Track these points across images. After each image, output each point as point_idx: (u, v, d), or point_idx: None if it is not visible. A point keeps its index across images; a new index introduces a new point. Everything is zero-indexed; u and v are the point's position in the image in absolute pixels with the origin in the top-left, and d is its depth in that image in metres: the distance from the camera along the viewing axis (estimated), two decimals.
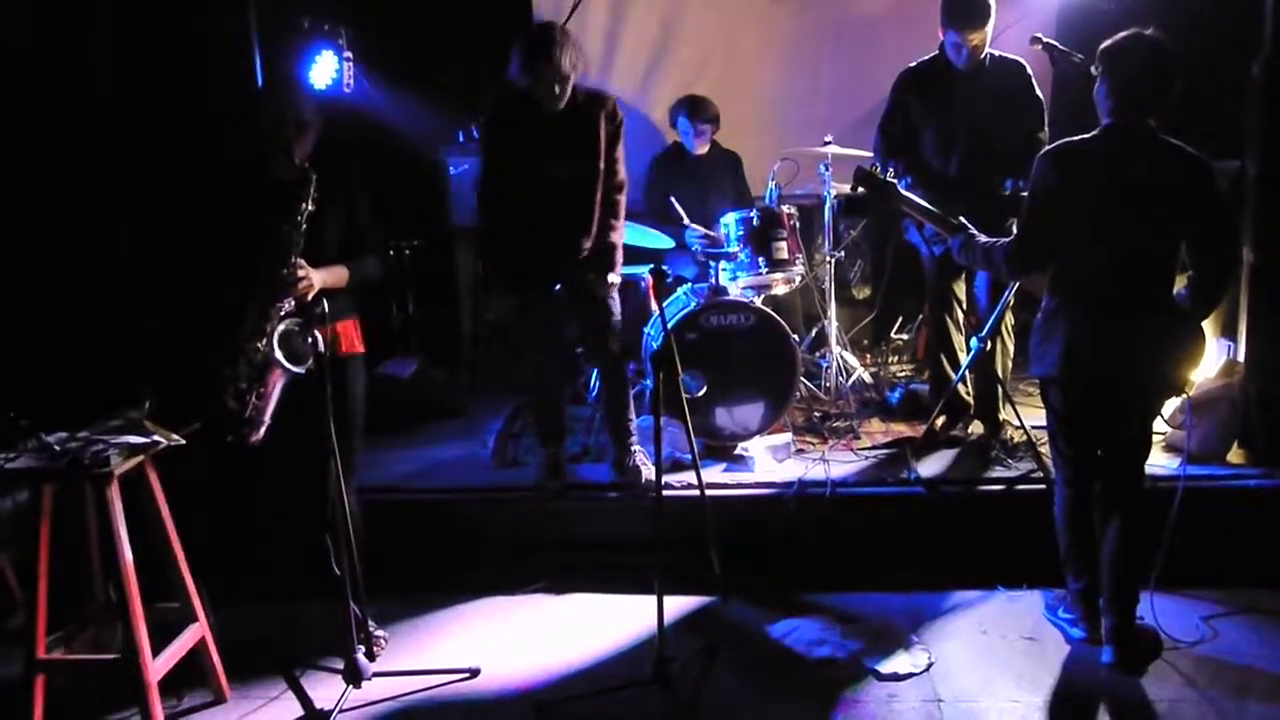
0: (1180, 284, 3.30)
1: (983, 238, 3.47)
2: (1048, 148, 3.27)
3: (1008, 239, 3.36)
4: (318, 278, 3.28)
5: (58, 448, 2.96)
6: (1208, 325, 4.63)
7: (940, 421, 4.65)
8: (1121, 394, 3.26)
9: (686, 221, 5.14)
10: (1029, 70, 4.42)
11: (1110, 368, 3.21)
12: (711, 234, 5.05)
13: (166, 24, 4.33)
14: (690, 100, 5.40)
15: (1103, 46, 3.22)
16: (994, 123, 4.32)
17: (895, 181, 3.76)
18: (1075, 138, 3.23)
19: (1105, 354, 3.20)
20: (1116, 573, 3.33)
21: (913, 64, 4.51)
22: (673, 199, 5.11)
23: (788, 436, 4.54)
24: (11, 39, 4.20)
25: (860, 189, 3.75)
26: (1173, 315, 3.22)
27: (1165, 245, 3.22)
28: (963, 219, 3.58)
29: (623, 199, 4.20)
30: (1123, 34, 3.18)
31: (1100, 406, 3.30)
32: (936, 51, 4.43)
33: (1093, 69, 3.25)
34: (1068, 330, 3.24)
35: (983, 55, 4.32)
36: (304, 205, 3.22)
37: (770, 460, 4.35)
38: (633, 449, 4.28)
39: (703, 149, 5.47)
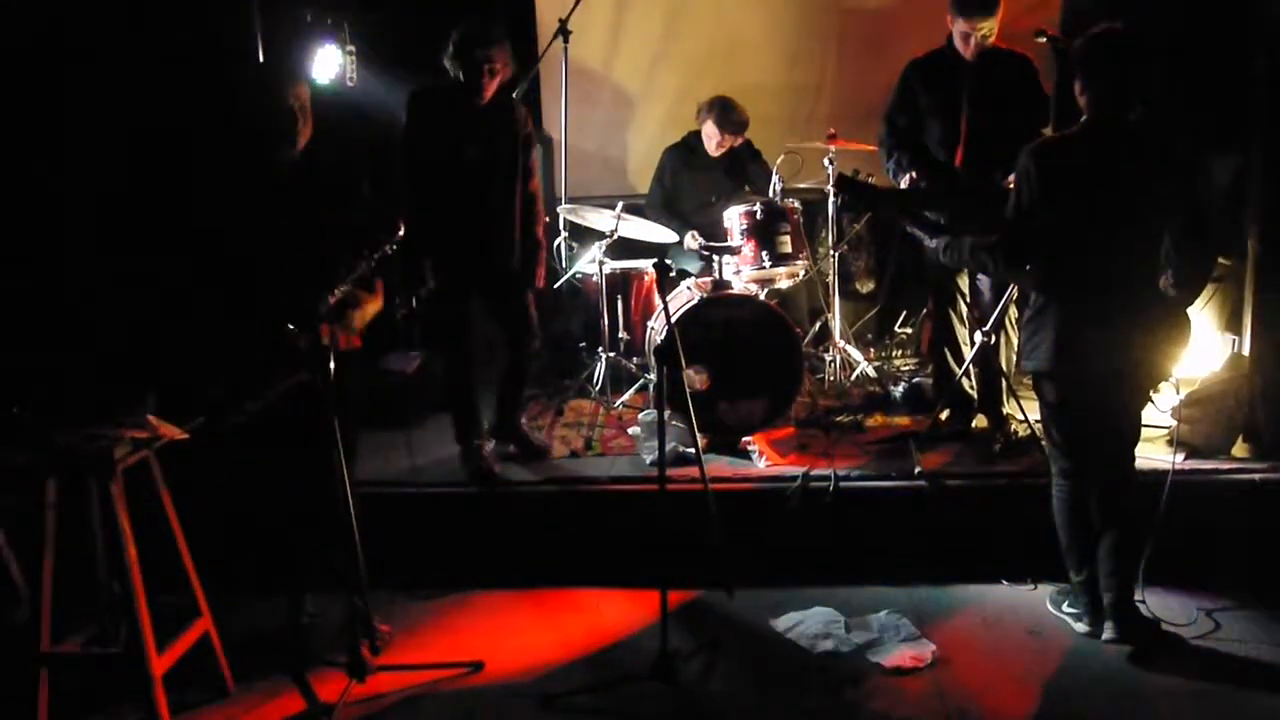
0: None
1: (970, 237, 3.50)
2: (1031, 143, 3.30)
3: (995, 236, 3.38)
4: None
5: (61, 442, 2.97)
6: (1211, 319, 4.67)
7: (944, 415, 4.65)
8: (1113, 383, 3.30)
9: (692, 238, 5.16)
10: (1035, 65, 4.41)
11: (1102, 358, 3.24)
12: (709, 243, 5.05)
13: (170, 18, 4.32)
14: (721, 104, 5.33)
15: (1077, 43, 3.26)
16: (999, 116, 4.30)
17: (874, 184, 3.78)
18: (1057, 133, 3.28)
19: (1096, 345, 3.24)
20: (1113, 557, 3.39)
21: (920, 55, 4.50)
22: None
23: (790, 430, 4.53)
24: (11, 36, 4.19)
25: (843, 195, 3.78)
26: (1159, 304, 3.26)
27: (1149, 236, 3.25)
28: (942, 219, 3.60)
29: (539, 203, 4.42)
30: (1096, 29, 3.21)
31: (1093, 397, 3.34)
32: (944, 43, 4.42)
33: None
34: (1058, 324, 3.28)
35: (990, 47, 4.30)
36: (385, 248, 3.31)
37: (773, 454, 4.34)
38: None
39: (717, 153, 5.46)
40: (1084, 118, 3.25)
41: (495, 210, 4.24)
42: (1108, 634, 3.42)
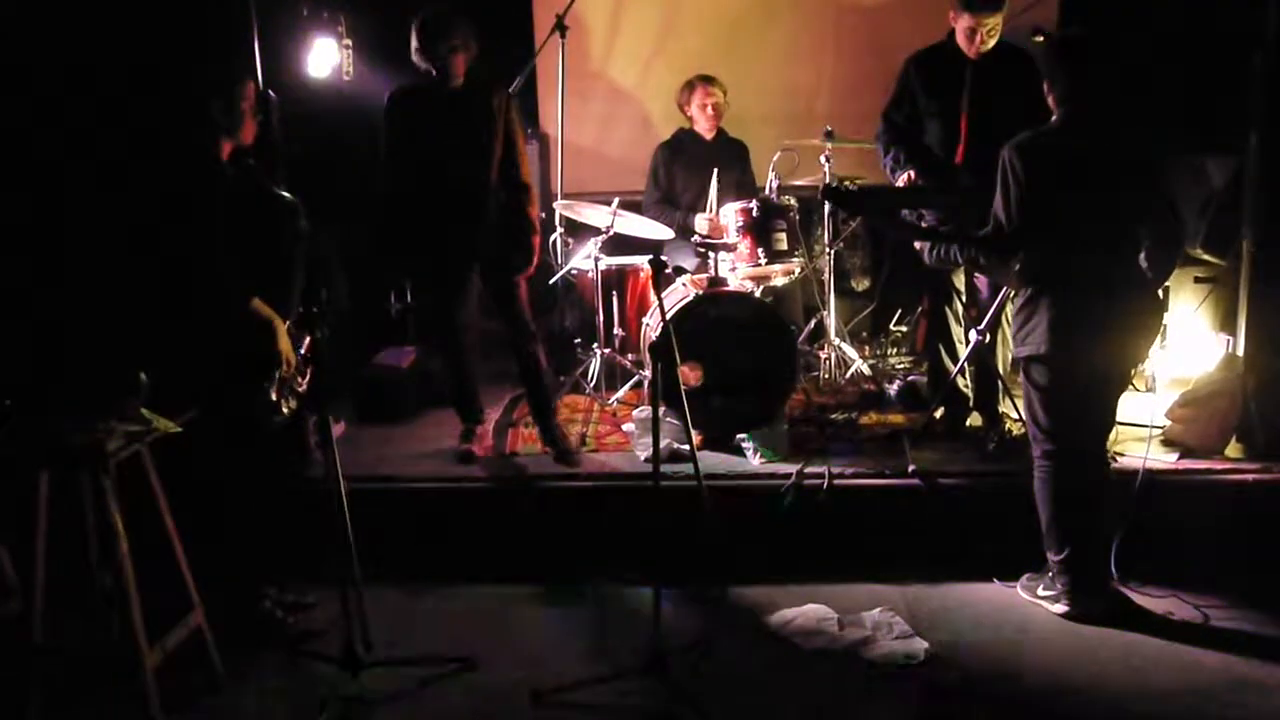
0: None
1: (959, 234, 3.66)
2: (1012, 140, 3.45)
3: (984, 232, 3.55)
4: None
5: (54, 434, 2.96)
6: (1206, 319, 4.69)
7: (938, 413, 4.65)
8: (1099, 369, 3.45)
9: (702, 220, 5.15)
10: (1036, 62, 4.40)
11: (1089, 345, 3.39)
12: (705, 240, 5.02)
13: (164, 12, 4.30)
14: (695, 77, 5.44)
15: (1046, 48, 3.53)
16: (1000, 113, 4.27)
17: (858, 193, 3.87)
18: (1034, 131, 3.45)
19: (1084, 333, 3.37)
20: (1094, 535, 3.55)
21: (922, 49, 4.48)
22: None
23: (785, 428, 4.54)
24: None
25: (830, 206, 3.87)
26: (1136, 295, 3.43)
27: (1123, 228, 3.42)
28: (928, 224, 3.68)
29: (531, 184, 4.42)
30: (1059, 34, 3.49)
31: (1081, 382, 3.46)
32: (945, 38, 4.40)
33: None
34: (1051, 310, 3.41)
35: (993, 43, 4.28)
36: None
37: (768, 451, 4.34)
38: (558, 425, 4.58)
39: (710, 131, 5.44)
40: (1057, 116, 3.44)
41: (478, 193, 4.30)
42: (1085, 612, 3.54)
